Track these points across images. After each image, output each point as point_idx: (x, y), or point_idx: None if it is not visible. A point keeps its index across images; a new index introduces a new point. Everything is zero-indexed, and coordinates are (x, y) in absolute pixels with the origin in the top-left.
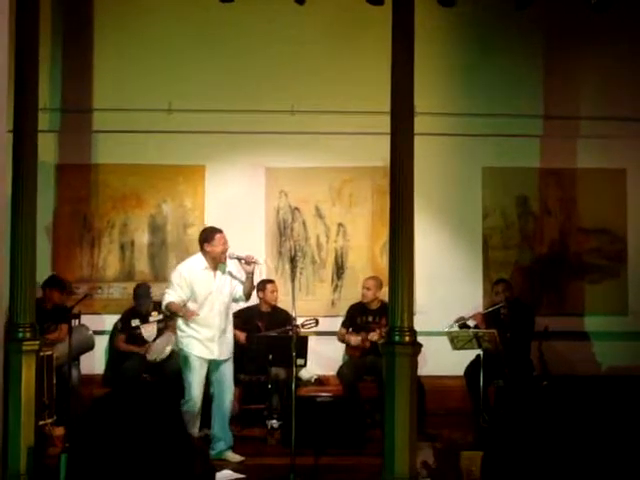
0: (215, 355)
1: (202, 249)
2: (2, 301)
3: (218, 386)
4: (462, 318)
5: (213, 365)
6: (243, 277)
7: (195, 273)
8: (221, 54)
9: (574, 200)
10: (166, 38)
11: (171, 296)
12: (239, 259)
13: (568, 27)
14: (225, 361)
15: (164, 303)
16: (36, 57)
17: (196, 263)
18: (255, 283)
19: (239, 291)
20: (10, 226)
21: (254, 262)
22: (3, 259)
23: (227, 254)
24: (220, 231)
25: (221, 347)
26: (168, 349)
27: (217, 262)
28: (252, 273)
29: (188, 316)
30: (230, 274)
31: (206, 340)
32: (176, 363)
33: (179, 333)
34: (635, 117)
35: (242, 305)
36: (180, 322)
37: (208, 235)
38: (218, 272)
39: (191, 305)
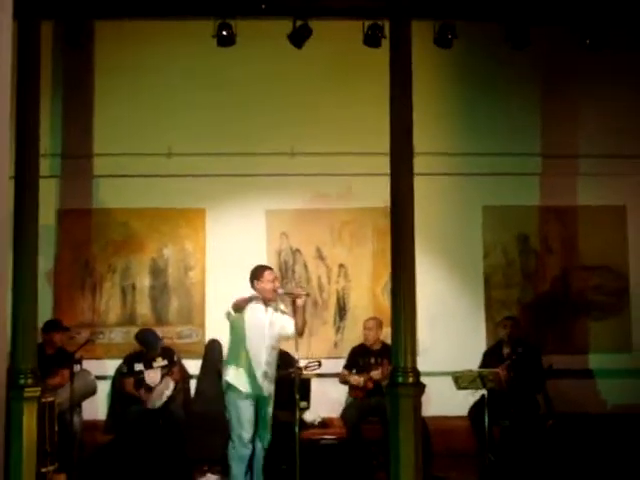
0: (260, 390)
1: (252, 286)
2: (4, 347)
3: (261, 426)
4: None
5: (260, 403)
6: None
7: (249, 306)
8: (219, 98)
9: (575, 237)
10: (164, 83)
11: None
12: (288, 294)
13: (565, 66)
14: (269, 397)
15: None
16: (37, 104)
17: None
18: (306, 318)
19: (290, 327)
20: (12, 272)
21: (304, 295)
22: (4, 305)
23: (277, 291)
24: (269, 268)
25: (269, 383)
26: (166, 394)
27: (268, 299)
28: (303, 307)
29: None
30: (281, 311)
31: (253, 374)
32: (177, 408)
33: (225, 368)
34: (633, 154)
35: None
36: (228, 356)
37: (257, 273)
38: (270, 308)
39: (242, 333)
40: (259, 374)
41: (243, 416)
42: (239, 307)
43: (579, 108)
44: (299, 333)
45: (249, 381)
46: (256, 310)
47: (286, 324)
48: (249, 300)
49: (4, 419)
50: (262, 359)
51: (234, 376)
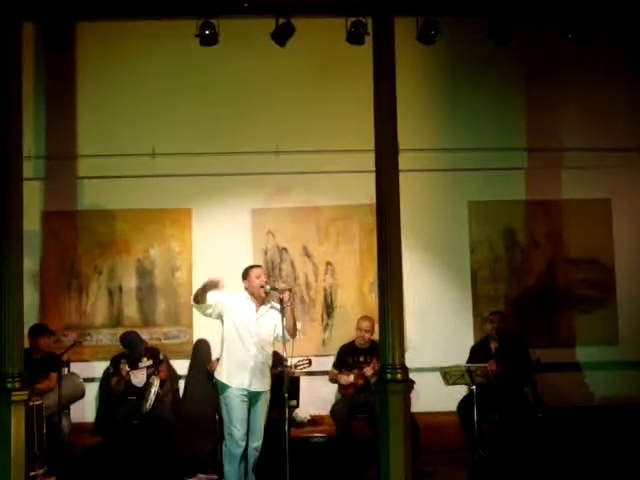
0: (249, 386)
1: (245, 288)
2: None
3: (252, 425)
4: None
5: (251, 400)
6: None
7: (237, 302)
8: (203, 97)
9: (561, 231)
10: (147, 83)
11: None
12: (272, 289)
13: (548, 60)
14: (261, 394)
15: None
16: (19, 107)
17: (240, 295)
18: (296, 316)
19: (279, 329)
20: None
21: (287, 290)
22: None
23: (264, 287)
24: (257, 266)
25: (259, 379)
26: (153, 391)
27: (259, 298)
28: (289, 303)
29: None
30: (275, 309)
31: (241, 369)
32: (165, 409)
33: (217, 365)
34: (617, 147)
35: None
36: (220, 353)
37: (244, 273)
38: (262, 307)
39: (230, 329)
40: (248, 369)
41: (234, 413)
42: (197, 296)
43: (563, 102)
44: (291, 335)
45: (238, 376)
46: (246, 308)
47: (278, 325)
48: (204, 289)
49: None
50: (250, 354)
51: (224, 372)
